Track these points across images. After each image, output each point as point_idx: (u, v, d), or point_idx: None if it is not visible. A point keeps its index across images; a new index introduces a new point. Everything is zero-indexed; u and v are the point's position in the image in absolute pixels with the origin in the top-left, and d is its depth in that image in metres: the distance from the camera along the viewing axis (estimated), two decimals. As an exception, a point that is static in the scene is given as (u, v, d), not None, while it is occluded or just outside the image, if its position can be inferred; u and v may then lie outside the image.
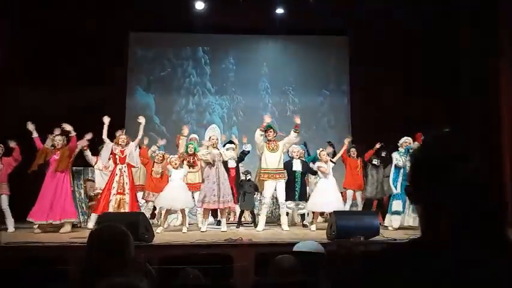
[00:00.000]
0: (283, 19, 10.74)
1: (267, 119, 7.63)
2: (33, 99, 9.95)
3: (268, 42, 11.56)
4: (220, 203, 7.23)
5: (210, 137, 7.58)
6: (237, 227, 7.84)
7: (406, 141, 7.92)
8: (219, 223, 8.30)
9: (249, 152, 8.37)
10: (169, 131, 11.10)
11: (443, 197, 1.02)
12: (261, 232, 7.14)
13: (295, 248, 3.37)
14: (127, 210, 7.08)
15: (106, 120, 7.50)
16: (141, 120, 7.68)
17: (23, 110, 9.72)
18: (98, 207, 7.20)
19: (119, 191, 7.19)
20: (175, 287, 3.00)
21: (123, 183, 7.25)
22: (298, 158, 8.00)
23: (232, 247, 5.42)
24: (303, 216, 8.30)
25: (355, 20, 10.49)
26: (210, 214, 8.00)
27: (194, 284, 2.92)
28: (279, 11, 10.65)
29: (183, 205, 7.43)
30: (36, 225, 7.12)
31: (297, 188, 7.83)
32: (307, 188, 8.33)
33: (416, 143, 8.00)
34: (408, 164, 7.89)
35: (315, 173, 8.18)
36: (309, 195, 8.12)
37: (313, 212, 8.19)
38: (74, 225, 7.48)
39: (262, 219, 7.48)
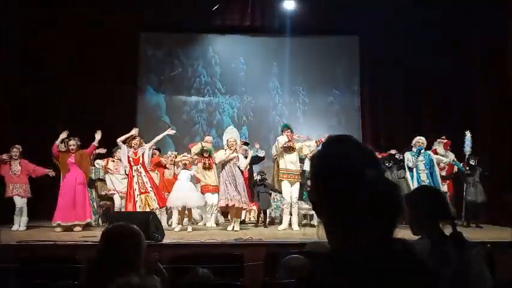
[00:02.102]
0: (294, 19, 10.72)
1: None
2: (42, 100, 10.06)
3: (278, 41, 11.53)
4: (242, 203, 7.27)
5: (228, 140, 7.58)
6: (264, 227, 7.92)
7: (419, 141, 7.81)
8: (244, 222, 8.47)
9: (263, 158, 8.43)
10: (180, 131, 11.12)
11: (347, 208, 1.00)
12: (270, 232, 7.15)
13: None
14: (156, 206, 7.25)
15: (134, 131, 7.62)
16: (170, 131, 8.05)
17: (31, 114, 9.85)
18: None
19: (142, 190, 7.30)
20: (185, 285, 3.01)
21: (143, 182, 7.35)
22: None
23: (243, 246, 5.43)
24: (311, 216, 8.27)
25: (366, 19, 10.43)
26: (221, 214, 8.06)
27: (204, 283, 2.94)
28: (289, 10, 10.63)
29: (195, 204, 7.51)
30: (56, 224, 7.25)
31: (305, 188, 7.82)
32: None
33: (440, 147, 7.95)
34: (419, 165, 7.85)
35: None
36: None
37: None
38: (86, 224, 7.58)
39: (285, 219, 7.50)
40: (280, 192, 7.77)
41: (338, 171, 1.02)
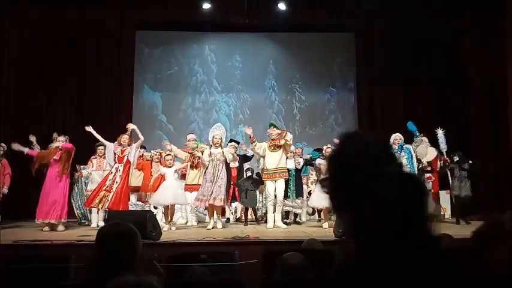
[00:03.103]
0: (289, 16, 10.71)
1: (247, 131, 7.66)
2: (40, 99, 10.03)
3: (274, 39, 11.52)
4: (210, 200, 7.15)
5: (213, 136, 7.54)
6: (244, 225, 7.83)
7: (396, 138, 7.71)
8: (228, 220, 8.35)
9: (252, 156, 8.39)
10: (176, 130, 11.12)
11: (368, 200, 0.99)
12: (268, 230, 7.14)
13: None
14: (105, 207, 7.11)
15: (131, 126, 7.57)
16: (131, 126, 7.67)
17: (30, 110, 9.82)
18: (86, 201, 7.45)
19: (107, 188, 7.20)
20: (183, 284, 3.00)
21: (114, 181, 7.25)
22: (293, 157, 7.96)
23: (240, 245, 5.42)
24: (287, 214, 8.17)
25: (362, 16, 10.44)
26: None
27: (201, 282, 2.93)
28: (285, 8, 10.62)
29: (172, 201, 7.34)
30: (40, 223, 7.18)
31: (290, 185, 7.82)
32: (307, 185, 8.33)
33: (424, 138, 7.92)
34: (402, 161, 7.79)
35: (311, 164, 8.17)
36: (310, 193, 8.16)
37: (321, 210, 8.09)
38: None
39: (270, 217, 7.48)
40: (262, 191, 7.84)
41: (355, 168, 1.02)
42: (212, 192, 7.14)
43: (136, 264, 1.83)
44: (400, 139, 7.70)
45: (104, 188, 7.20)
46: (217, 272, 3.46)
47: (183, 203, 7.74)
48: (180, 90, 11.47)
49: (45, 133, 8.20)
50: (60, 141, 7.41)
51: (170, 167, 7.52)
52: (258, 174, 8.22)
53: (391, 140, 7.73)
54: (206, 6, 10.36)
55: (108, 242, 1.89)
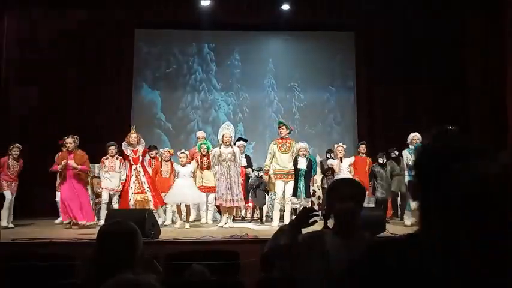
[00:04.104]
0: (289, 15, 10.70)
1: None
2: (38, 99, 10.02)
3: (274, 38, 11.52)
4: (234, 202, 7.30)
5: (223, 135, 7.51)
6: (260, 223, 7.93)
7: (414, 138, 7.74)
8: (243, 218, 8.53)
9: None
10: (175, 128, 11.12)
11: (444, 196, 1.01)
12: (267, 228, 7.14)
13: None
14: (151, 207, 7.15)
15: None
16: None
17: (28, 110, 9.82)
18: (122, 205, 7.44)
19: (138, 190, 7.30)
20: (182, 282, 3.01)
21: (141, 182, 7.35)
22: (304, 156, 7.89)
23: (239, 243, 5.44)
24: (295, 211, 8.05)
25: (362, 16, 10.44)
26: (216, 210, 8.05)
27: (200, 280, 2.94)
28: (285, 6, 10.62)
29: (193, 200, 7.47)
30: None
31: (300, 185, 7.78)
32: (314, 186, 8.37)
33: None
34: None
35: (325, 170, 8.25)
36: (313, 192, 8.17)
37: None
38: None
39: (276, 216, 7.51)
40: (271, 190, 7.88)
41: (443, 165, 1.04)
42: (231, 193, 7.23)
43: (136, 263, 1.84)
44: (418, 139, 7.71)
45: (132, 192, 7.28)
46: (216, 270, 3.47)
47: (201, 201, 7.82)
48: (179, 89, 11.46)
49: (45, 133, 8.20)
50: (69, 145, 7.33)
51: (184, 165, 7.55)
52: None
53: (409, 140, 7.76)
54: (205, 3, 10.33)
55: (109, 240, 1.89)
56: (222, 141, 7.44)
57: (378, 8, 9.91)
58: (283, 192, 7.52)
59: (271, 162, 7.62)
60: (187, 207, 7.50)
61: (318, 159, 9.37)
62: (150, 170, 7.87)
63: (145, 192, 7.31)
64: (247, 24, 11.06)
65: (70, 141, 7.36)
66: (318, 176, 9.08)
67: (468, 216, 0.99)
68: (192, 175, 7.64)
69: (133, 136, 7.48)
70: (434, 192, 1.05)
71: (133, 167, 7.39)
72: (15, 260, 4.19)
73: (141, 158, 7.45)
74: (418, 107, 10.78)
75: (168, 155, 8.22)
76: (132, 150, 7.40)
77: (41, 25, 10.01)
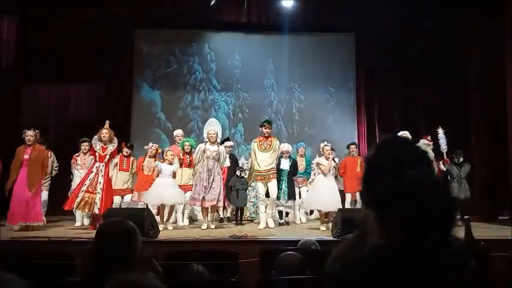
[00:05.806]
0: (290, 16, 10.71)
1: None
2: (39, 97, 10.03)
3: (274, 39, 11.51)
4: (209, 202, 6.98)
5: (208, 132, 7.26)
6: (236, 224, 7.70)
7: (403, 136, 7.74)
8: (221, 220, 8.26)
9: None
10: (175, 128, 11.06)
11: (392, 202, 1.03)
12: (264, 229, 7.09)
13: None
14: (95, 211, 6.65)
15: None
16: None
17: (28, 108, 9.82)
18: (66, 203, 6.85)
19: (89, 189, 6.71)
20: (180, 282, 3.00)
21: (96, 182, 6.75)
22: (287, 158, 7.81)
23: (237, 243, 5.44)
24: (280, 213, 7.96)
25: (362, 16, 10.44)
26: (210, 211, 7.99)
27: (199, 280, 2.93)
28: (285, 8, 10.62)
29: (173, 201, 7.15)
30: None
31: (282, 186, 7.66)
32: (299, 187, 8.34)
33: (422, 141, 7.95)
34: None
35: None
36: (299, 194, 8.15)
37: (318, 211, 7.90)
38: None
39: (262, 217, 7.36)
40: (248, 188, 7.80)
41: (388, 171, 1.07)
42: (210, 194, 6.94)
43: (135, 262, 1.83)
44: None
45: (84, 189, 6.70)
46: (214, 270, 3.46)
47: (183, 202, 7.54)
48: (179, 89, 11.46)
49: (45, 132, 8.18)
50: (29, 137, 6.81)
51: (171, 164, 7.21)
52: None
53: None
54: (206, 3, 10.32)
55: (108, 240, 1.89)
56: (208, 137, 7.20)
57: (377, 9, 9.91)
58: (267, 192, 7.33)
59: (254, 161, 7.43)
60: (171, 207, 7.23)
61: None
62: (111, 168, 7.28)
63: (95, 194, 6.69)
64: (248, 25, 11.06)
65: (31, 133, 6.86)
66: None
67: (408, 223, 1.01)
68: (173, 175, 7.24)
69: (103, 132, 6.89)
70: (375, 200, 1.07)
71: (97, 164, 6.80)
72: (13, 259, 4.18)
73: (107, 157, 6.86)
74: (418, 108, 10.78)
75: (154, 151, 7.97)
76: (102, 147, 6.85)
77: (41, 25, 10.00)
